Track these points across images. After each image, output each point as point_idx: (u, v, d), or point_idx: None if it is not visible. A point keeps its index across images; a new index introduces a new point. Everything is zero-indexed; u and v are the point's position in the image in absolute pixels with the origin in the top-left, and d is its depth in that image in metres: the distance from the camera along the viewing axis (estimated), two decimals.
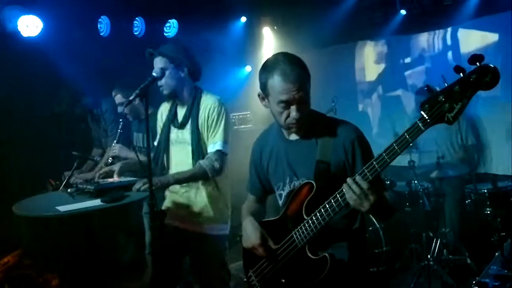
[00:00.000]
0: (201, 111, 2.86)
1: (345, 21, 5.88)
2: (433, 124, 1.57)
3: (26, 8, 4.20)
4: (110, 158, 3.63)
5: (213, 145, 2.83)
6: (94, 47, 4.76)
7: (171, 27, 5.52)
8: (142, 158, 2.74)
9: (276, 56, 1.95)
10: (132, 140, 3.85)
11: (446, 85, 1.55)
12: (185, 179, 2.85)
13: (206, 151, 2.87)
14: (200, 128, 2.85)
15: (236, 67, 6.79)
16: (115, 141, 3.67)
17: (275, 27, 6.86)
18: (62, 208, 2.62)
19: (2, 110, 4.48)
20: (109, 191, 2.83)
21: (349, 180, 1.69)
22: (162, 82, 2.82)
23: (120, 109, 3.81)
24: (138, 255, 4.29)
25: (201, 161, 2.82)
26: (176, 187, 2.94)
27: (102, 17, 4.88)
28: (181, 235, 2.95)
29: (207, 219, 2.91)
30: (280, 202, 2.11)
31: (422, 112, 1.57)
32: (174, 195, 3.02)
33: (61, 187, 3.53)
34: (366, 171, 1.69)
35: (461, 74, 1.53)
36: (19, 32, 4.19)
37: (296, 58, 1.91)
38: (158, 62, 2.84)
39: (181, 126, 2.92)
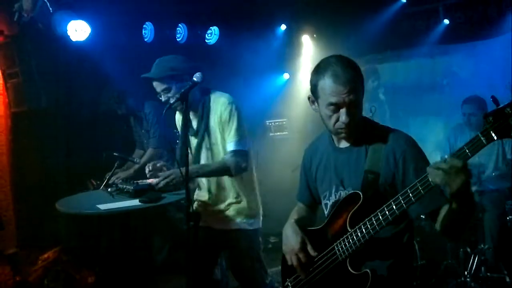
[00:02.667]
0: (212, 114, 2.85)
1: (386, 30, 5.82)
2: (497, 138, 1.43)
3: (76, 13, 4.34)
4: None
5: (231, 144, 2.81)
6: (138, 52, 4.90)
7: (212, 34, 5.63)
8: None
9: (328, 58, 1.85)
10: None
11: None
12: (207, 172, 2.84)
13: (221, 150, 2.87)
14: (211, 130, 2.86)
15: (274, 74, 6.79)
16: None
17: (315, 35, 6.85)
18: (102, 207, 2.71)
19: (49, 111, 4.67)
20: (147, 191, 2.91)
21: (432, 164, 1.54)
22: (172, 101, 2.75)
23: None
24: (173, 256, 4.36)
25: (225, 157, 2.82)
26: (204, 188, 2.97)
27: (146, 23, 5.01)
28: (213, 234, 2.95)
29: (236, 214, 2.91)
30: (326, 212, 2.02)
31: (486, 125, 1.44)
32: (202, 193, 3.03)
33: (102, 186, 3.64)
34: (418, 185, 1.59)
35: None
36: (68, 36, 4.32)
37: (349, 61, 1.82)
38: (159, 86, 2.82)
39: (196, 133, 2.91)
